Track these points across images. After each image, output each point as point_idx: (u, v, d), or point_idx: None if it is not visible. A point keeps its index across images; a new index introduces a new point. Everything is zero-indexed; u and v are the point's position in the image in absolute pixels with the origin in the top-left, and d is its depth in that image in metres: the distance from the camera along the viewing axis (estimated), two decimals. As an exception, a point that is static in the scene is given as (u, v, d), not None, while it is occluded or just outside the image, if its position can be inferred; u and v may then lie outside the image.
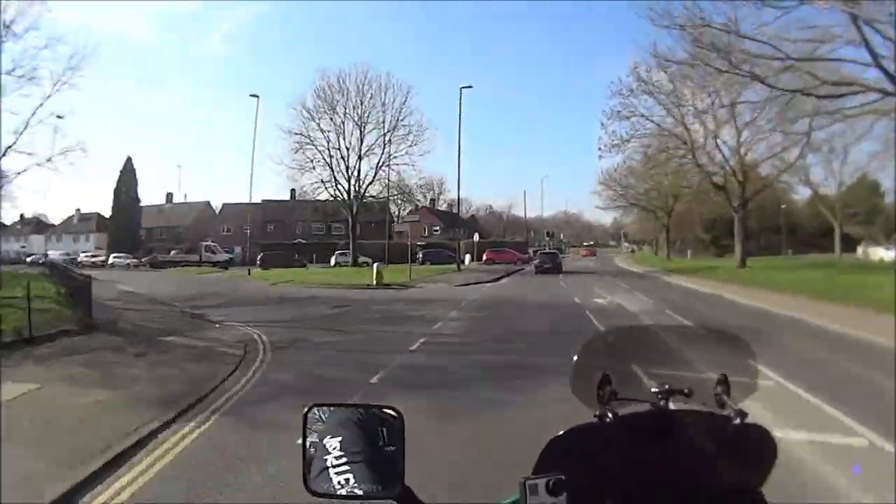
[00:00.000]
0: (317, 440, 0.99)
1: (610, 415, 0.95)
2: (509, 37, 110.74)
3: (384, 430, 0.99)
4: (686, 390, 1.00)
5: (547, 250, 42.39)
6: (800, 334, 10.81)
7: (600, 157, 31.39)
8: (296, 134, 37.46)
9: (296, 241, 55.87)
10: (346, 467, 0.94)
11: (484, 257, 44.51)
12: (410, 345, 9.81)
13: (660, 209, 48.91)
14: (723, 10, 20.55)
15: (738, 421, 0.95)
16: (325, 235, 58.20)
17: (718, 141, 29.59)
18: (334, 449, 0.96)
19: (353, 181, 38.24)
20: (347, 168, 37.86)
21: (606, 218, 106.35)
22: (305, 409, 1.03)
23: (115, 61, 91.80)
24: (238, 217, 60.99)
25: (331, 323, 13.41)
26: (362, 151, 37.92)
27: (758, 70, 19.82)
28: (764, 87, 22.42)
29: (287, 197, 53.73)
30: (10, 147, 20.03)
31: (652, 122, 29.27)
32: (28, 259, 51.05)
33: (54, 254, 58.66)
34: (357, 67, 39.85)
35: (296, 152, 37.59)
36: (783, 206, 60.24)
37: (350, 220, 39.50)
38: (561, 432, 0.93)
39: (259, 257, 44.46)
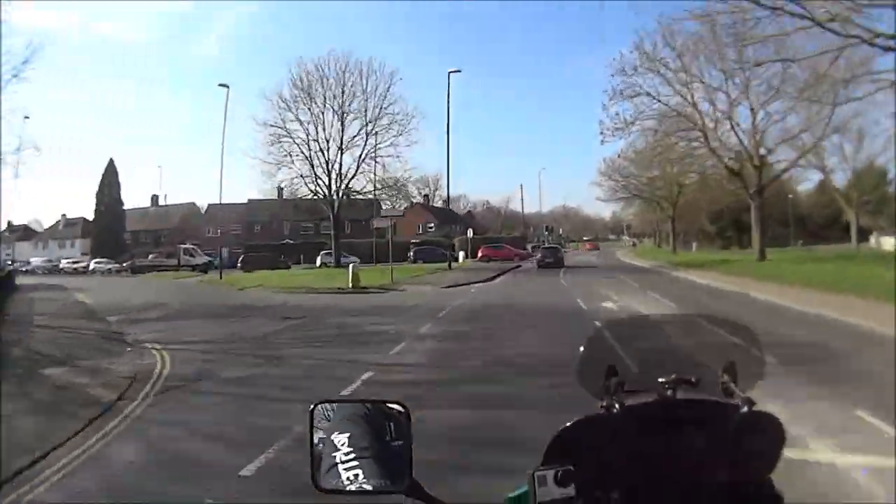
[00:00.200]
0: (324, 436, 0.98)
1: (617, 405, 0.93)
2: (503, 23, 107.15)
3: (391, 424, 0.98)
4: (693, 379, 0.97)
5: (549, 245, 40.80)
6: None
7: (602, 141, 28.05)
8: (271, 126, 34.19)
9: (283, 242, 52.79)
10: (354, 462, 0.93)
11: (479, 254, 41.31)
12: (346, 386, 6.66)
13: (664, 199, 45.64)
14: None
15: (745, 409, 0.93)
16: (314, 235, 55.09)
17: (733, 121, 26.34)
18: (342, 445, 0.95)
19: (334, 175, 34.94)
20: (328, 161, 34.57)
21: (606, 212, 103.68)
22: (312, 406, 1.01)
23: (100, 61, 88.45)
24: (224, 218, 57.99)
25: (264, 345, 10.24)
26: (344, 143, 34.63)
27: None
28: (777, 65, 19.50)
29: (275, 196, 50.61)
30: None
31: (659, 101, 26.04)
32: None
33: (37, 260, 56.30)
34: (337, 54, 36.25)
35: (272, 145, 34.30)
36: (790, 196, 57.75)
37: (332, 217, 36.20)
38: (568, 424, 0.91)
39: (240, 259, 41.40)
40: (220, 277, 30.88)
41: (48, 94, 76.57)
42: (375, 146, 35.03)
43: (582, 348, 1.04)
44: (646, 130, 27.40)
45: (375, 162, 35.48)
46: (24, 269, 51.78)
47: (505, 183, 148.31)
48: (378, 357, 8.35)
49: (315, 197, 35.94)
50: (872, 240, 47.69)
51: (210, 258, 45.03)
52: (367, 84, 34.40)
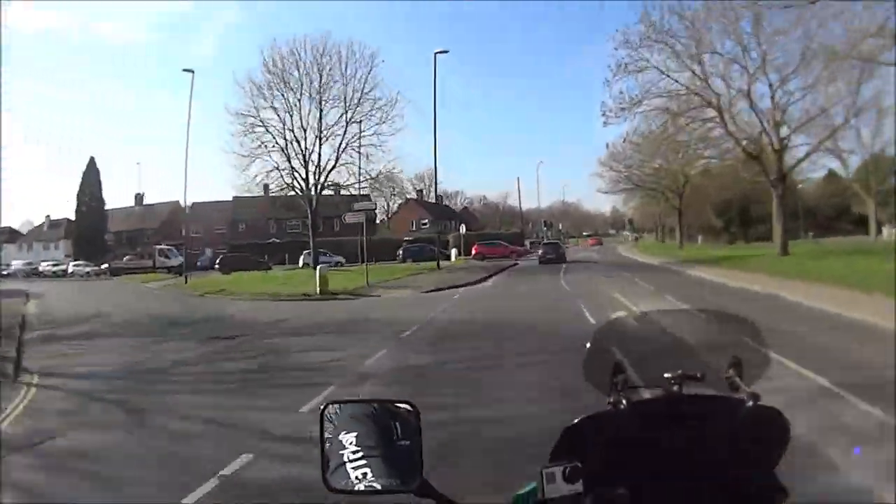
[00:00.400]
0: (332, 436, 0.97)
1: (624, 402, 0.94)
2: (501, 20, 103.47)
3: (398, 424, 0.97)
4: (699, 375, 0.98)
5: (550, 241, 39.82)
6: None
7: (605, 123, 24.80)
8: (242, 114, 30.97)
9: (269, 241, 49.80)
10: (363, 462, 0.92)
11: (472, 252, 38.22)
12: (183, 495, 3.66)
13: (669, 191, 42.47)
14: None
15: (750, 404, 0.93)
16: (302, 233, 52.16)
17: (752, 98, 23.12)
18: (350, 444, 0.94)
19: (312, 168, 31.71)
20: (304, 152, 31.35)
21: (605, 207, 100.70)
22: (322, 407, 1.00)
23: (97, 62, 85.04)
24: (209, 217, 55.00)
25: (154, 383, 7.29)
26: (322, 132, 31.42)
27: None
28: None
29: (260, 193, 47.55)
30: None
31: (668, 76, 22.82)
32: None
33: (17, 263, 53.79)
34: (314, 37, 32.81)
35: (244, 136, 31.06)
36: (799, 186, 54.96)
37: (310, 213, 33.07)
38: (576, 420, 0.92)
39: (218, 260, 38.46)
40: (185, 281, 27.89)
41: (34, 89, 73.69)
42: (360, 134, 31.82)
43: (588, 345, 1.05)
44: (653, 112, 24.23)
45: (359, 153, 32.37)
46: (4, 272, 49.67)
47: (504, 180, 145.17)
48: (277, 419, 5.27)
49: (293, 192, 32.75)
50: (885, 231, 45.12)
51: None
52: (346, 67, 31.15)
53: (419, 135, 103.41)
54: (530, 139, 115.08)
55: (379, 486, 0.90)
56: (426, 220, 58.65)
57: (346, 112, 31.26)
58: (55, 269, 50.95)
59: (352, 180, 32.71)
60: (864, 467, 3.48)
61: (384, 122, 31.53)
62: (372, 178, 32.80)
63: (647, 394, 0.97)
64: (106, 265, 46.88)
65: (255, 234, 51.26)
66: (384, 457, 0.93)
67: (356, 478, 0.91)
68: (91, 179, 59.39)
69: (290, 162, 31.39)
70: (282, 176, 31.73)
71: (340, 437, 0.95)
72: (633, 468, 0.90)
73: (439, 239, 32.61)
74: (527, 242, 55.57)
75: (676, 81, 23.00)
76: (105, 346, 10.98)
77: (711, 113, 23.76)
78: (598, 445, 0.91)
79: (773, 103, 24.31)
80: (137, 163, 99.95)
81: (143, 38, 75.66)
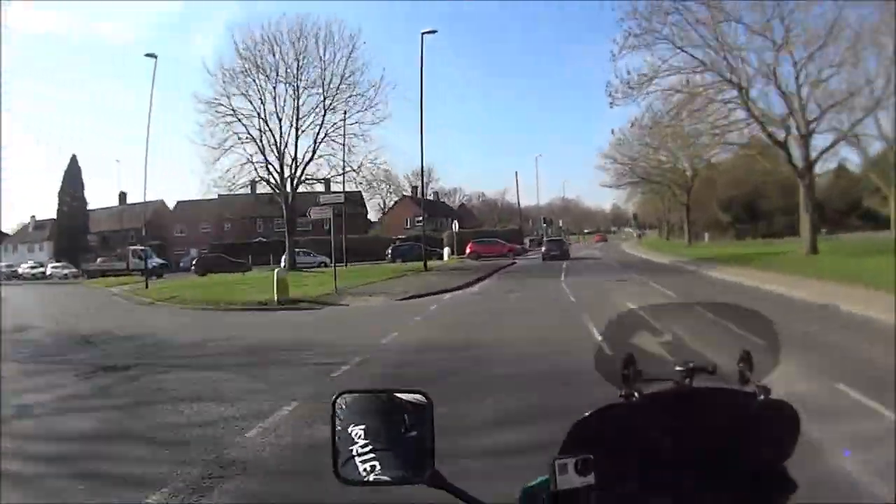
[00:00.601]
0: (342, 429, 0.95)
1: (636, 394, 0.93)
2: (502, 19, 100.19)
3: (408, 415, 0.95)
4: (710, 367, 0.97)
5: (554, 238, 39.02)
6: None
7: (612, 104, 21.70)
8: (212, 102, 27.93)
9: (256, 240, 46.91)
10: (371, 455, 0.91)
11: (467, 250, 35.25)
12: None
13: (676, 185, 39.41)
14: None
15: (762, 397, 0.93)
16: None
17: (777, 76, 20.04)
18: (359, 437, 0.93)
19: (288, 160, 28.66)
20: (277, 142, 28.32)
21: (606, 203, 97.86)
22: (334, 397, 0.97)
23: (97, 62, 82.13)
24: (194, 216, 52.13)
25: None
26: (299, 121, 28.37)
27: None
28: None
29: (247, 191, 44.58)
30: None
31: (683, 50, 19.69)
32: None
33: (-1, 265, 51.39)
34: (290, 17, 29.58)
35: (214, 125, 28.03)
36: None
37: (284, 209, 30.08)
38: (587, 413, 0.90)
39: (193, 262, 35.64)
40: (146, 286, 25.00)
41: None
42: (344, 120, 28.76)
43: (600, 337, 1.03)
44: (666, 93, 21.11)
45: (343, 144, 29.36)
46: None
47: (503, 177, 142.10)
48: None
49: (270, 187, 29.79)
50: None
51: (163, 261, 39.36)
52: (324, 50, 27.98)
53: (415, 132, 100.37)
54: (530, 136, 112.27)
55: (388, 478, 0.90)
56: (421, 218, 55.59)
57: (325, 99, 28.19)
58: (34, 271, 48.75)
59: (333, 174, 29.46)
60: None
61: (367, 110, 28.43)
62: (353, 170, 29.60)
63: (658, 386, 0.93)
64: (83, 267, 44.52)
65: (241, 233, 48.34)
66: (393, 450, 0.91)
67: (364, 470, 0.90)
68: (73, 178, 56.63)
69: (263, 154, 28.41)
70: (256, 169, 28.72)
71: (349, 430, 0.93)
72: (644, 461, 0.88)
73: (424, 236, 29.53)
74: (526, 240, 52.56)
75: (692, 56, 19.90)
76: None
77: (731, 93, 20.68)
78: (610, 438, 0.88)
79: (796, 83, 21.31)
80: (117, 160, 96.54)
81: (144, 37, 72.84)
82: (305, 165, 28.90)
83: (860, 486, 3.08)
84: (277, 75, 27.79)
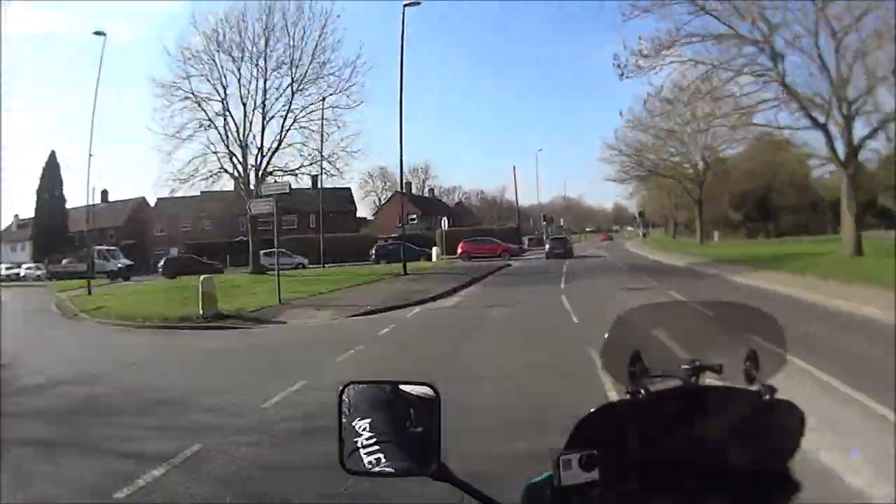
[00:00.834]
0: (347, 420, 0.94)
1: (642, 391, 0.91)
2: (499, 12, 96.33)
3: (415, 408, 0.94)
4: (716, 366, 0.95)
5: (557, 236, 37.79)
6: None
7: (622, 76, 18.16)
8: (171, 86, 24.52)
9: (237, 239, 43.56)
10: (376, 447, 0.90)
11: (458, 250, 31.85)
12: None
13: (688, 179, 35.83)
14: None
15: (767, 397, 0.91)
16: (273, 230, 46.05)
17: (818, 45, 16.52)
18: (364, 430, 0.92)
19: (254, 149, 25.21)
20: (239, 131, 24.87)
21: (608, 202, 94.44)
22: (341, 388, 0.96)
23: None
24: (175, 213, 48.88)
25: None
26: (266, 107, 24.94)
27: None
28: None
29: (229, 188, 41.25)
30: None
31: (705, 11, 16.08)
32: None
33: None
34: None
35: (169, 108, 24.53)
36: (825, 176, 49.02)
37: (248, 206, 26.61)
38: (593, 409, 0.89)
39: (161, 263, 32.45)
40: (89, 292, 21.73)
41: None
42: (323, 104, 25.32)
43: (606, 334, 1.00)
44: (684, 65, 17.55)
45: (316, 130, 25.93)
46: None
47: (502, 176, 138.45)
48: None
49: (234, 180, 26.42)
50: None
51: (130, 262, 36.14)
52: (292, 28, 24.43)
53: (410, 128, 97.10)
54: (531, 135, 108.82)
55: (393, 470, 0.89)
56: (414, 216, 52.16)
57: (293, 79, 24.66)
58: (9, 272, 45.79)
59: (294, 163, 26.00)
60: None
61: (341, 92, 24.95)
62: (325, 159, 26.16)
63: (664, 384, 0.91)
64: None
65: (222, 232, 45.01)
66: (398, 442, 0.90)
67: (369, 462, 0.89)
68: (52, 175, 53.58)
69: (226, 143, 25.01)
70: (219, 160, 25.32)
71: (354, 422, 0.92)
72: (649, 458, 0.87)
73: (404, 235, 26.15)
74: (525, 239, 49.08)
75: (716, 19, 16.36)
76: None
77: (762, 65, 17.13)
78: (615, 434, 0.87)
79: (836, 57, 17.78)
80: (91, 155, 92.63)
81: (144, 37, 69.74)
82: (272, 155, 25.46)
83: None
84: (243, 54, 24.37)
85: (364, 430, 0.91)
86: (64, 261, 39.95)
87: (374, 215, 60.26)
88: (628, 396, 0.91)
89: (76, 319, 15.07)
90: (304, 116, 25.24)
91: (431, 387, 0.93)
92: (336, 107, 25.30)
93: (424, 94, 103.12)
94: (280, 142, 25.05)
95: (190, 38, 24.94)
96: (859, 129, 18.07)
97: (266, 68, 24.50)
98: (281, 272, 27.81)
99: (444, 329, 9.48)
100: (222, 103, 24.41)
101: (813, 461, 3.11)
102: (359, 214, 58.51)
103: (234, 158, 24.67)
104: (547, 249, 31.50)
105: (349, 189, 52.42)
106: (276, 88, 24.85)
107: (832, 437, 3.53)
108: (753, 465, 0.89)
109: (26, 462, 4.13)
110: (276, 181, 21.87)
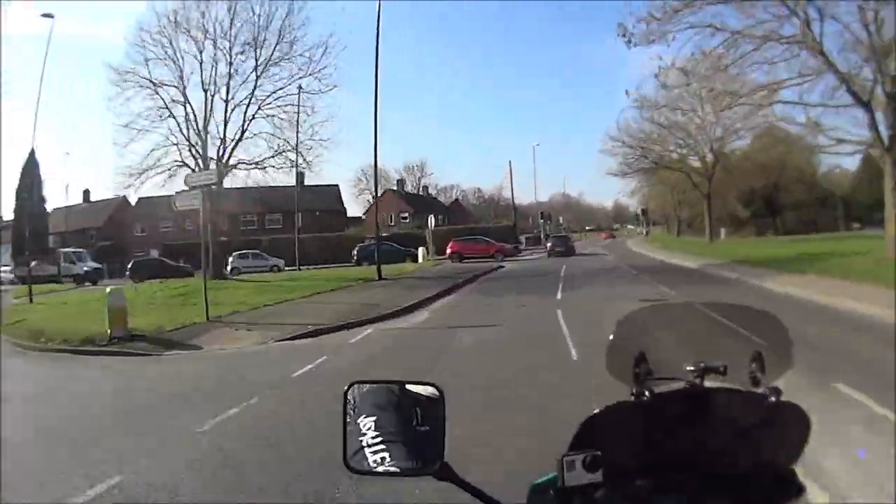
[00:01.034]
0: (352, 419, 0.93)
1: (646, 393, 0.90)
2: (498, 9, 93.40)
3: (419, 408, 0.92)
4: (721, 368, 0.93)
5: (559, 234, 38.24)
6: None
7: (629, 42, 15.36)
8: (126, 72, 21.81)
9: (218, 239, 40.88)
10: (381, 446, 0.89)
11: (448, 250, 29.15)
12: None
13: (695, 171, 33.06)
14: None
15: (772, 399, 0.90)
16: (259, 230, 43.52)
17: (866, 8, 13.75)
18: (368, 429, 0.91)
19: (215, 139, 22.54)
20: (196, 119, 22.14)
21: (608, 201, 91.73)
22: (346, 387, 0.95)
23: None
24: (156, 213, 46.22)
25: None
26: (229, 93, 22.25)
27: None
28: None
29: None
30: None
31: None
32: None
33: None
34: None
35: (122, 94, 21.86)
36: (837, 171, 46.95)
37: (208, 201, 23.93)
38: (597, 410, 0.88)
39: (129, 266, 29.87)
40: (31, 300, 19.22)
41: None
42: (300, 89, 22.57)
43: (612, 336, 0.98)
44: (702, 32, 14.74)
45: (287, 117, 23.20)
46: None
47: (501, 174, 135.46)
48: None
49: (191, 171, 23.67)
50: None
51: (97, 265, 33.49)
52: (257, 3, 21.63)
53: (407, 125, 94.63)
54: (530, 134, 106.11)
55: (397, 470, 0.88)
56: (406, 214, 49.49)
57: (257, 62, 21.91)
58: (-12, 276, 43.46)
59: (268, 154, 23.26)
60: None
61: (310, 75, 22.17)
62: (292, 149, 23.40)
63: (668, 386, 0.90)
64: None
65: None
66: (403, 442, 0.89)
67: (374, 462, 0.88)
68: (30, 175, 51.01)
69: (185, 134, 22.32)
70: (179, 152, 22.65)
71: (359, 421, 0.91)
72: (653, 459, 0.87)
73: (378, 236, 23.45)
74: (522, 238, 46.34)
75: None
76: None
77: (791, 30, 14.33)
78: (619, 435, 0.87)
79: (876, 24, 15.03)
80: (67, 153, 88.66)
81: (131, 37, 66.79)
82: (235, 145, 22.74)
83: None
84: (206, 35, 21.63)
85: (369, 428, 0.89)
86: (32, 263, 37.44)
87: (364, 214, 57.71)
88: (633, 398, 0.89)
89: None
90: (270, 104, 22.51)
91: (436, 387, 0.92)
92: (308, 92, 22.56)
93: (424, 93, 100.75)
94: (244, 131, 22.31)
95: (149, 22, 22.03)
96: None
97: (231, 49, 21.77)
98: (250, 276, 25.25)
99: (386, 369, 6.69)
100: (179, 88, 21.67)
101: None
102: (352, 214, 55.85)
103: (193, 150, 21.91)
104: (549, 248, 31.44)
105: (337, 186, 49.76)
106: (240, 73, 22.10)
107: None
108: (757, 467, 0.87)
109: None
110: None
